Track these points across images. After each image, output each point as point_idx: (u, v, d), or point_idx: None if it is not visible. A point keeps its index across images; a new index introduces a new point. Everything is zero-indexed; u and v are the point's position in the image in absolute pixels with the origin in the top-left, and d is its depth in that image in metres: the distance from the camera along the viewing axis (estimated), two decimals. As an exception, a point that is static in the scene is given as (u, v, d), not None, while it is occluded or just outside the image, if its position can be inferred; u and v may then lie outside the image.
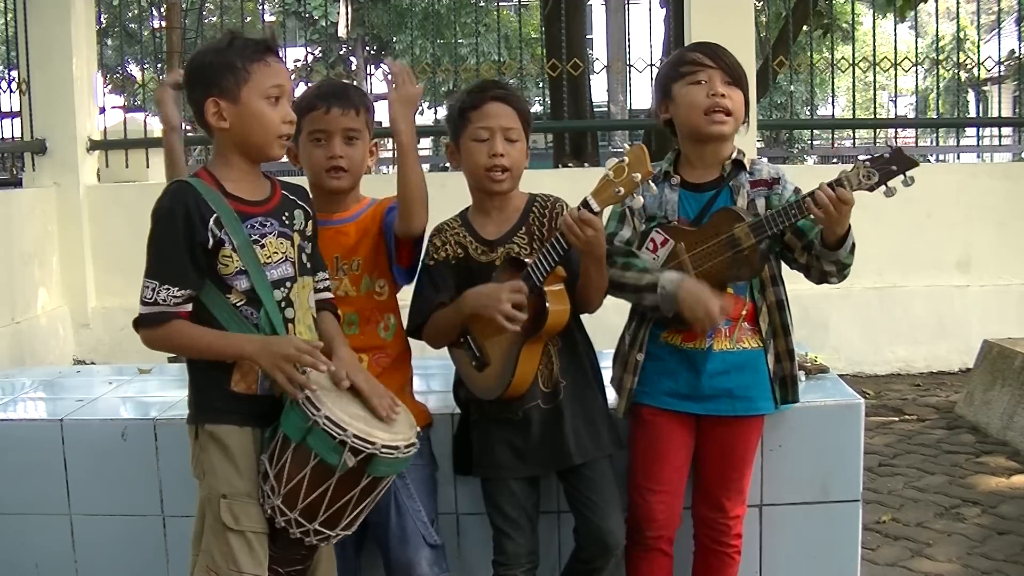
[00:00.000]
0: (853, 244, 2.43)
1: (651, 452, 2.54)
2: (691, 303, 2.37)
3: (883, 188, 2.30)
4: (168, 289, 2.13)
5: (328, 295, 2.40)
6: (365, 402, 2.18)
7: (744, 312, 2.51)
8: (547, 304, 2.36)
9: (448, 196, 2.71)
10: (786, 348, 2.55)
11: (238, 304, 2.18)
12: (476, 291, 2.42)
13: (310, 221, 2.34)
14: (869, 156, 2.31)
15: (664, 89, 2.57)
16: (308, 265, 2.32)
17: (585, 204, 2.27)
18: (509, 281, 2.39)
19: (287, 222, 2.27)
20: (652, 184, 2.24)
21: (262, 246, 2.21)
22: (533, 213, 2.54)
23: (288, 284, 2.24)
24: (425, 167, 11.27)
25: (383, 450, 2.09)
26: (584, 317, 2.56)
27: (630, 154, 2.22)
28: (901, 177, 2.29)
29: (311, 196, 2.40)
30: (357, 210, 2.60)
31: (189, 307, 2.16)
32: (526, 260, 2.39)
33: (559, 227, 2.33)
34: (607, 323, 2.61)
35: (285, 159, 2.53)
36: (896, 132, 8.92)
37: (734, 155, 2.55)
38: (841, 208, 2.31)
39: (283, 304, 2.22)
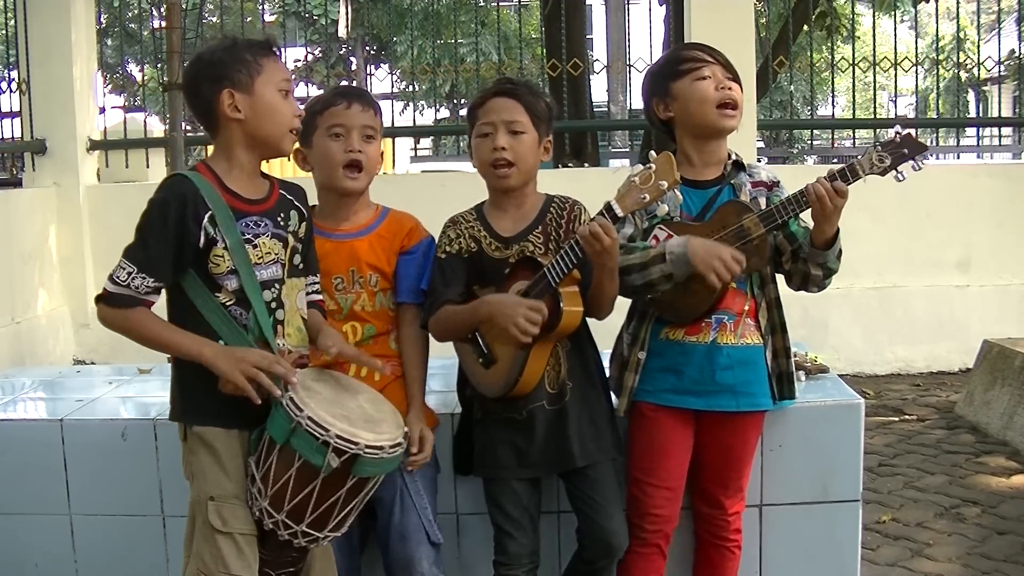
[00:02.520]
0: (840, 250, 2.46)
1: (652, 447, 2.54)
2: (704, 256, 2.33)
3: (894, 173, 2.33)
4: (144, 278, 2.14)
5: (318, 297, 2.42)
6: (353, 380, 2.24)
7: (747, 308, 2.52)
8: (561, 305, 2.35)
9: (447, 196, 2.72)
10: (783, 345, 2.56)
11: (227, 304, 2.18)
12: (496, 299, 2.41)
13: (304, 223, 2.34)
14: (881, 142, 2.35)
15: (663, 89, 2.56)
16: (300, 267, 2.32)
17: (609, 209, 2.26)
18: (519, 282, 2.40)
19: (282, 223, 2.27)
20: (678, 193, 2.23)
21: (255, 246, 2.20)
22: (551, 213, 2.54)
23: (277, 285, 2.24)
24: (424, 167, 11.26)
25: (367, 450, 2.08)
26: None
27: (657, 161, 2.21)
28: (911, 162, 2.32)
29: (309, 200, 2.40)
30: (371, 222, 2.58)
31: (156, 298, 2.17)
32: (542, 260, 2.38)
33: (578, 233, 2.31)
34: (608, 323, 2.60)
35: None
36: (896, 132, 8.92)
37: (732, 157, 2.57)
38: (836, 199, 2.32)
39: (273, 305, 2.22)
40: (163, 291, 2.19)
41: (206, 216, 2.14)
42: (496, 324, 2.38)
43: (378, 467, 2.15)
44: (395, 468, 2.29)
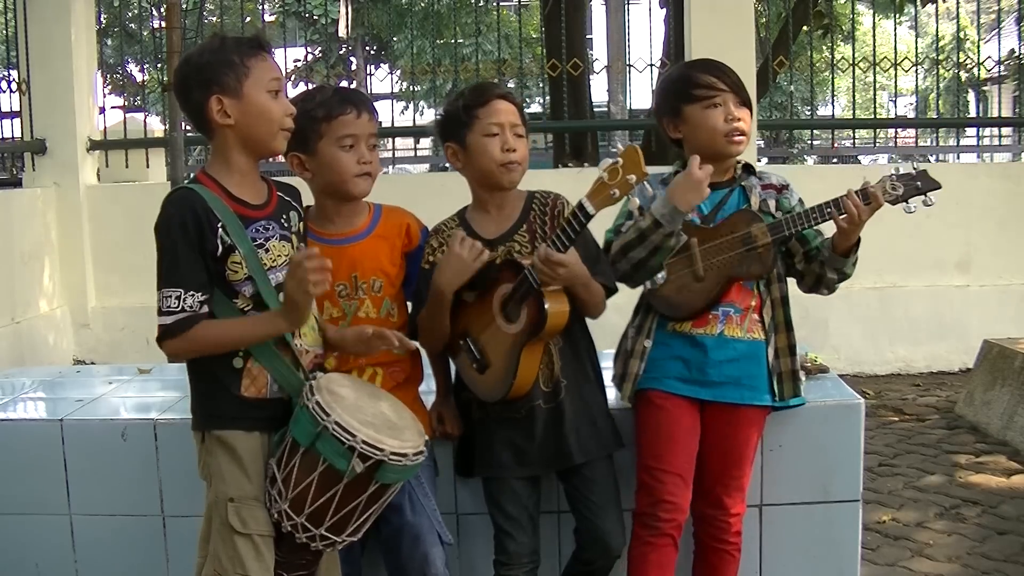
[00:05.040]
0: (857, 258, 2.55)
1: (662, 434, 2.54)
2: (681, 192, 2.37)
3: (904, 204, 2.46)
4: (193, 295, 2.12)
5: None
6: (372, 385, 2.20)
7: (753, 303, 2.56)
8: (546, 306, 2.35)
9: (448, 196, 2.71)
10: (787, 344, 2.58)
11: (246, 309, 2.18)
12: (440, 273, 2.42)
13: (302, 222, 2.34)
14: (897, 172, 2.46)
15: (674, 109, 2.60)
16: None
17: (581, 207, 2.27)
18: (503, 285, 2.40)
19: (286, 224, 2.27)
20: (648, 186, 2.25)
21: (266, 250, 2.20)
22: (533, 211, 2.54)
23: None
24: (424, 167, 11.28)
25: (392, 457, 2.09)
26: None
27: (624, 156, 2.21)
28: (923, 196, 2.46)
29: (306, 206, 2.40)
30: (367, 224, 2.57)
31: (208, 309, 2.15)
32: (523, 262, 2.38)
33: (557, 232, 2.32)
34: (607, 323, 2.61)
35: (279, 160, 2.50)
36: (896, 132, 8.92)
37: (742, 162, 2.62)
38: (864, 211, 2.43)
39: None
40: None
41: (219, 226, 2.14)
42: (479, 317, 2.40)
43: (400, 474, 2.15)
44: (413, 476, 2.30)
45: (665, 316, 2.57)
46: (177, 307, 2.11)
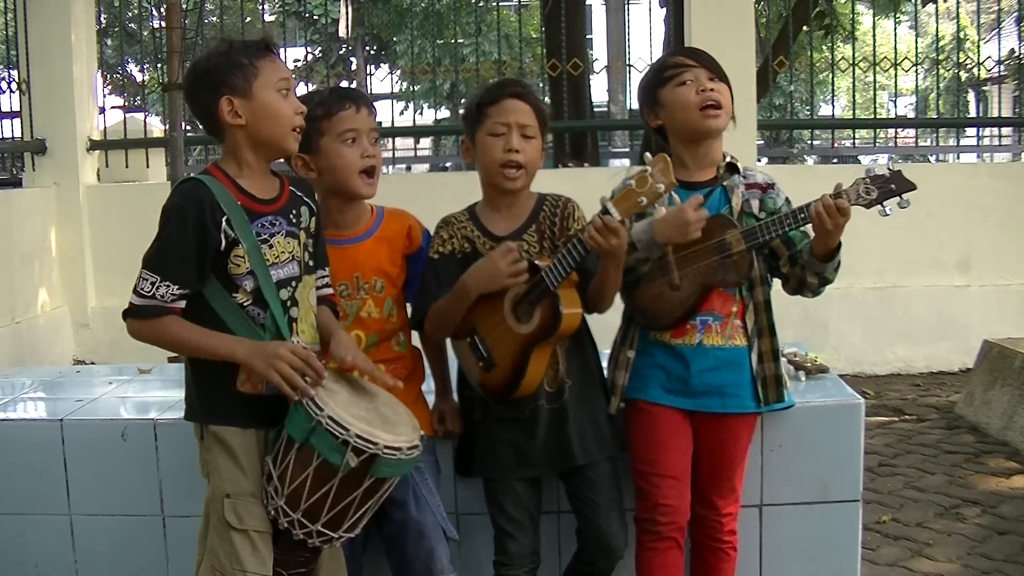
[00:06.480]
0: (839, 263, 2.49)
1: (653, 439, 2.54)
2: (665, 227, 2.37)
3: (879, 207, 2.38)
4: (168, 286, 2.13)
5: (328, 291, 2.40)
6: (368, 383, 2.20)
7: (735, 309, 2.53)
8: (561, 308, 2.35)
9: (448, 196, 2.72)
10: (771, 348, 2.55)
11: (244, 304, 2.18)
12: (472, 273, 2.41)
13: (314, 217, 2.34)
14: (870, 175, 2.38)
15: (651, 98, 2.59)
16: (311, 263, 2.32)
17: (605, 212, 2.26)
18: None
19: (294, 220, 2.27)
20: (676, 195, 2.23)
21: (270, 246, 2.21)
22: (544, 212, 2.54)
23: (294, 283, 2.24)
24: (424, 167, 11.31)
25: (385, 451, 2.09)
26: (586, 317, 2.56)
27: (653, 164, 2.19)
28: (897, 198, 2.38)
29: (319, 202, 2.40)
30: (370, 225, 2.57)
31: (183, 304, 2.16)
32: (539, 263, 2.37)
33: (579, 234, 2.30)
34: (607, 323, 2.61)
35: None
36: (896, 132, 8.91)
37: (727, 159, 2.58)
38: (837, 218, 2.36)
39: (288, 303, 2.23)
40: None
41: (223, 219, 2.15)
42: (490, 315, 2.39)
43: (395, 468, 2.15)
44: (409, 470, 2.29)
45: (645, 326, 2.56)
46: (149, 292, 2.13)
